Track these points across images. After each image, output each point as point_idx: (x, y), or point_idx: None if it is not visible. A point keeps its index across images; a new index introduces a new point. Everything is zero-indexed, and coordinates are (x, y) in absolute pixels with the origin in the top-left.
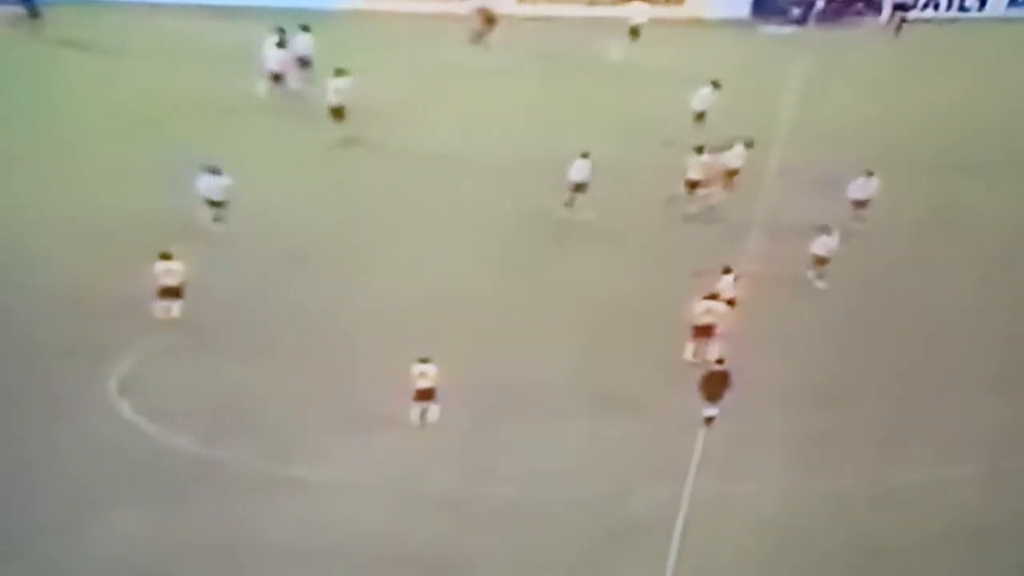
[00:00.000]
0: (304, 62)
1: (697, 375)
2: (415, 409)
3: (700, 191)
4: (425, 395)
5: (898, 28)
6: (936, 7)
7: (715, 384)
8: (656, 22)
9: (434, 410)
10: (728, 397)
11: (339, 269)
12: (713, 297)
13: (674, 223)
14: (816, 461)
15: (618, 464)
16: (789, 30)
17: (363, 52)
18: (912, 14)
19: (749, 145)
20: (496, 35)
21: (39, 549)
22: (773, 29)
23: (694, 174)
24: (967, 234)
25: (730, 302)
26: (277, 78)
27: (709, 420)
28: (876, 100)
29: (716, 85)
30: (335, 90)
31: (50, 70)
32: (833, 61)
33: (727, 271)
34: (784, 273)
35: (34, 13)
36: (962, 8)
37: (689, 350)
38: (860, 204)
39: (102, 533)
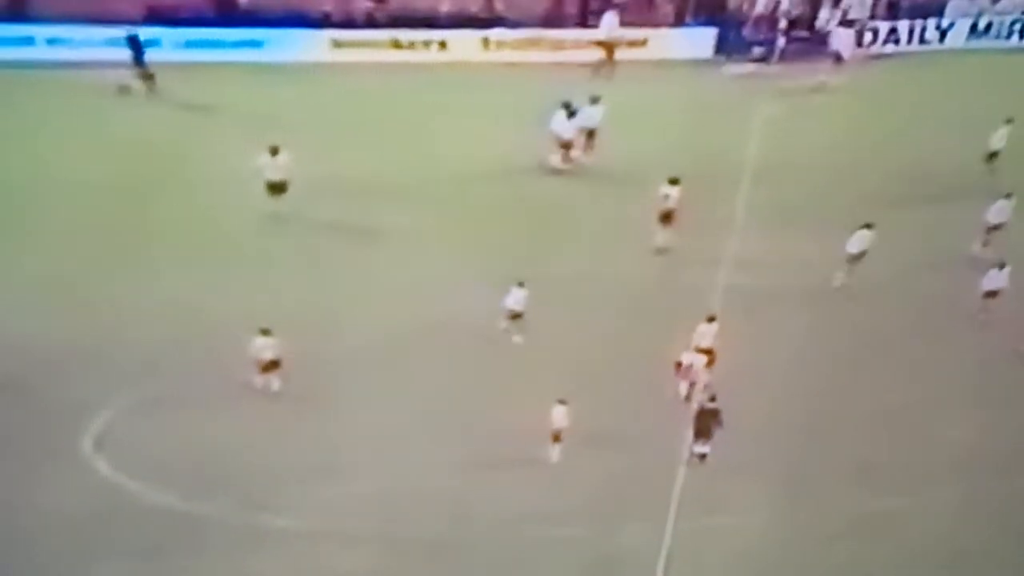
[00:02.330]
0: (591, 133)
1: (680, 411)
2: None
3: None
4: None
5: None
6: (897, 41)
7: (706, 421)
8: (620, 64)
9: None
10: (718, 434)
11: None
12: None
13: (646, 259)
14: (796, 491)
15: (600, 500)
16: (752, 68)
17: None
18: (874, 48)
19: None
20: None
21: None
22: (736, 68)
23: (669, 206)
24: (936, 264)
25: (709, 351)
26: (567, 146)
27: (702, 457)
28: (840, 136)
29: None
30: (273, 166)
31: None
32: (796, 98)
33: (711, 319)
34: (755, 308)
35: (147, 75)
36: (923, 41)
37: (683, 387)
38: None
39: None
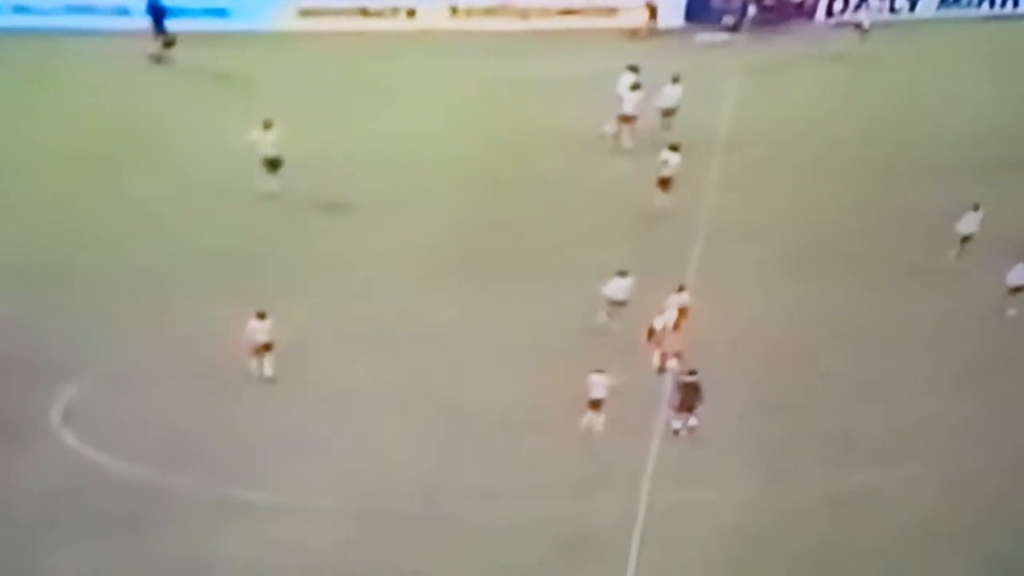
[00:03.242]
0: (668, 112)
1: (654, 383)
2: None
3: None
4: None
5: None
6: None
7: (688, 395)
8: (589, 33)
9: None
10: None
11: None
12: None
13: (627, 226)
14: (772, 466)
15: (574, 475)
16: (724, 37)
17: None
18: (845, 15)
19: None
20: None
21: None
22: (707, 37)
23: (667, 172)
24: (913, 235)
25: (677, 322)
26: (628, 120)
27: (686, 430)
28: (811, 104)
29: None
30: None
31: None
32: (767, 67)
33: (681, 289)
34: (730, 278)
35: (168, 41)
36: (892, 10)
37: (655, 358)
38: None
39: (52, 565)
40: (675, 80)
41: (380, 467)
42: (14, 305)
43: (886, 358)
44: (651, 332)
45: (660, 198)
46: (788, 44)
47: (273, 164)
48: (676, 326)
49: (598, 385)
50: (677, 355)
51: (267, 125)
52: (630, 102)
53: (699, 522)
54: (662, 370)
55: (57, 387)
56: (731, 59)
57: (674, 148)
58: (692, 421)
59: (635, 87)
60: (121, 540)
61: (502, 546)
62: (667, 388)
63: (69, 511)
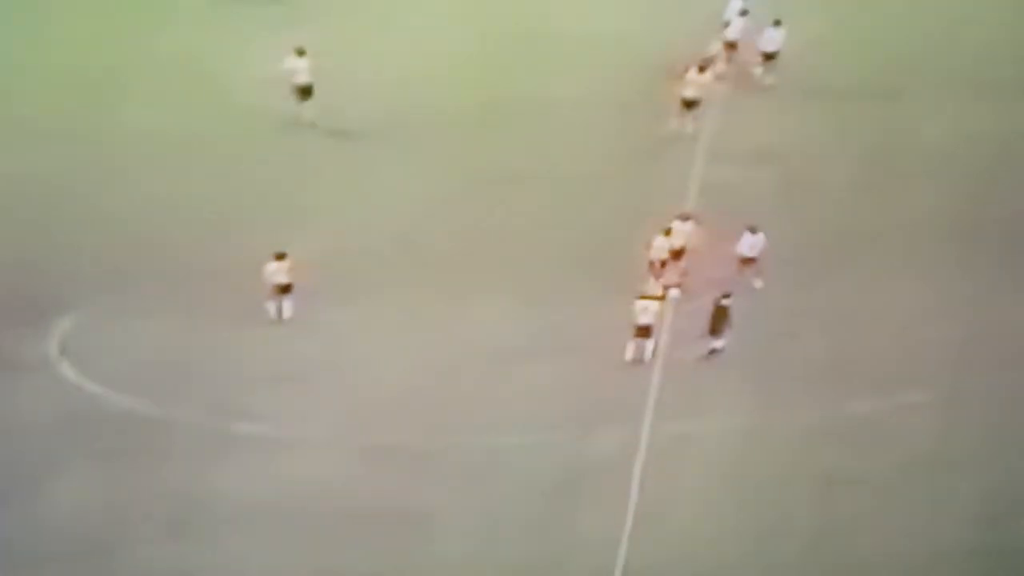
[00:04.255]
0: (769, 56)
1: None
2: None
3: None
4: None
5: None
6: None
7: (719, 319)
8: None
9: None
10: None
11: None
12: (668, 233)
13: (631, 157)
14: (772, 395)
15: (575, 406)
16: None
17: None
18: None
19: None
20: None
21: None
22: None
23: (691, 93)
24: (916, 158)
25: (679, 252)
26: (732, 46)
27: (712, 352)
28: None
29: None
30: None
31: None
32: None
33: (686, 218)
34: (732, 204)
35: None
36: None
37: (651, 285)
38: None
39: (51, 497)
40: (777, 23)
41: (382, 401)
42: (13, 234)
43: (887, 285)
44: (651, 262)
45: (680, 119)
46: None
47: (305, 91)
48: (678, 256)
49: (647, 311)
50: (678, 285)
51: (300, 52)
52: (736, 28)
53: (699, 453)
54: (662, 299)
55: (55, 318)
56: None
57: (702, 69)
58: (718, 344)
59: (744, 13)
60: (120, 471)
61: (504, 480)
62: (667, 320)
63: (67, 442)
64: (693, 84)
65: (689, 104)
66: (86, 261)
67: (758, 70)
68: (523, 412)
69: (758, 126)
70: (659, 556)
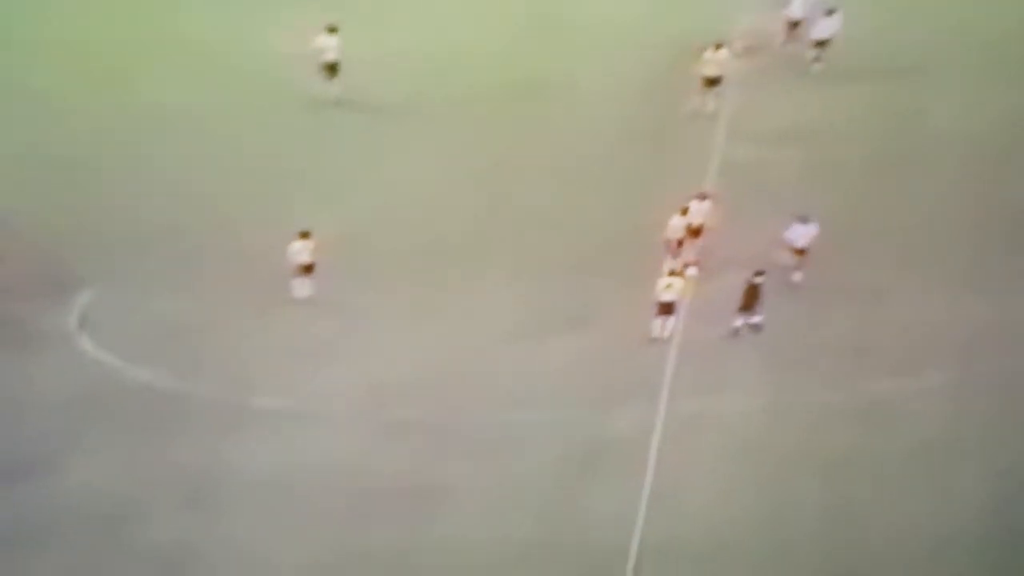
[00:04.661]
0: (821, 44)
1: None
2: None
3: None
4: None
5: None
6: None
7: (751, 297)
8: None
9: None
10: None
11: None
12: (684, 212)
13: (653, 137)
14: (791, 375)
15: (592, 384)
16: None
17: None
18: None
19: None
20: None
21: (5, 493)
22: None
23: (710, 71)
24: (939, 140)
25: (697, 231)
26: (795, 25)
27: (749, 328)
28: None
29: None
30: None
31: None
32: None
33: (703, 197)
34: (746, 182)
35: None
36: None
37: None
38: None
39: (70, 470)
40: (830, 12)
41: (400, 377)
42: (32, 208)
43: (906, 264)
44: (667, 241)
45: (700, 98)
46: None
47: (332, 69)
48: (696, 233)
49: (671, 288)
50: (696, 263)
51: (331, 29)
52: (799, 5)
53: (717, 429)
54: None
55: (74, 292)
56: None
57: (719, 47)
58: (756, 319)
59: None
60: (138, 444)
61: (520, 456)
62: (686, 299)
63: (85, 415)
64: (712, 63)
65: (711, 82)
66: (106, 235)
67: (809, 54)
68: (541, 390)
69: (781, 105)
70: (675, 534)
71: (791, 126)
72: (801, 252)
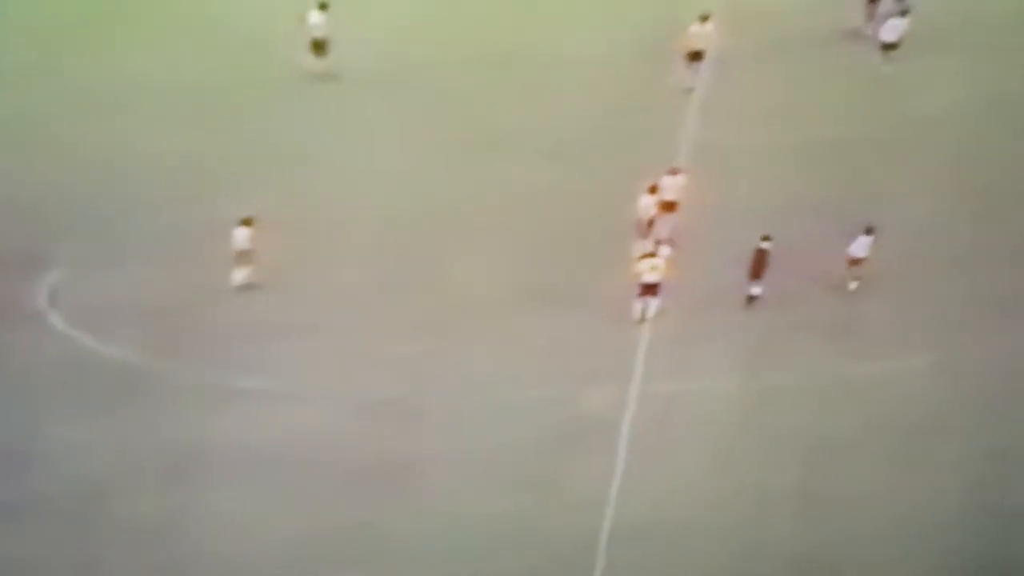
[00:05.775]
0: (890, 47)
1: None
2: None
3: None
4: None
5: None
6: None
7: (759, 263)
8: None
9: None
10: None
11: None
12: (653, 191)
13: (633, 111)
14: (764, 355)
15: (564, 363)
16: None
17: None
18: None
19: None
20: None
21: None
22: None
23: (695, 44)
24: (924, 119)
25: (671, 206)
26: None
27: (752, 298)
28: None
29: None
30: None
31: None
32: None
33: (674, 172)
34: (722, 165)
35: None
36: None
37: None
38: None
39: (44, 448)
40: (904, 13)
41: (375, 355)
42: (1, 183)
43: (886, 247)
44: (639, 220)
45: (686, 72)
46: None
47: (319, 46)
48: (670, 209)
49: (654, 269)
50: (670, 241)
51: (322, 6)
52: None
53: (691, 409)
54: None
55: (44, 270)
56: None
57: (704, 19)
58: (755, 290)
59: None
60: (111, 422)
61: (495, 435)
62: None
63: (56, 393)
64: (696, 36)
65: (694, 56)
66: (76, 212)
67: (876, 58)
68: (516, 369)
69: (761, 82)
70: (648, 513)
71: (775, 103)
72: (858, 262)
